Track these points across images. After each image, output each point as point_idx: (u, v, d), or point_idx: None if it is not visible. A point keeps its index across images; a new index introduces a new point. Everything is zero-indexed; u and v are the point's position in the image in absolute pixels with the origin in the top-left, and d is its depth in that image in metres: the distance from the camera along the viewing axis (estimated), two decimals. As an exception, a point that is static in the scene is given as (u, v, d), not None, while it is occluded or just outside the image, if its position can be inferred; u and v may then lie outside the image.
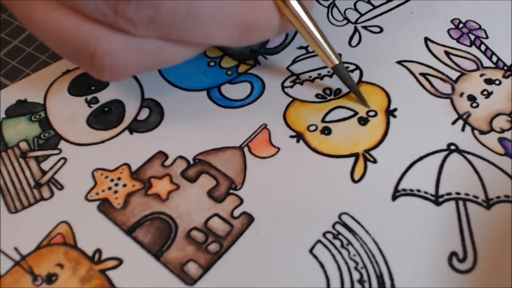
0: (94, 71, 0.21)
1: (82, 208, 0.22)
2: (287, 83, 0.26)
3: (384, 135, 0.24)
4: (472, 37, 0.27)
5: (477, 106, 0.25)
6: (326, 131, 0.24)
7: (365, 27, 0.28)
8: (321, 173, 0.23)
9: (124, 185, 0.23)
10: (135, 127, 0.25)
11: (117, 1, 0.18)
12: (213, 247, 0.21)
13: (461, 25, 0.28)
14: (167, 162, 0.23)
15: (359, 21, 0.28)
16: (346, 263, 0.20)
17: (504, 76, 0.26)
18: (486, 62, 0.26)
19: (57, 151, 0.24)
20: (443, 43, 0.27)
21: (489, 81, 0.26)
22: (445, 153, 0.23)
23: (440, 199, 0.22)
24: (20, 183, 0.23)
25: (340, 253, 0.21)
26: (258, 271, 0.20)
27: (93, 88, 0.26)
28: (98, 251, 0.21)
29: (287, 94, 0.25)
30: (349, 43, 0.27)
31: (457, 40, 0.27)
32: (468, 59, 0.27)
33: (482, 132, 0.24)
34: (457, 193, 0.22)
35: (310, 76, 0.26)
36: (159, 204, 0.22)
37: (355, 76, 0.26)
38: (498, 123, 0.24)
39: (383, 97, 0.25)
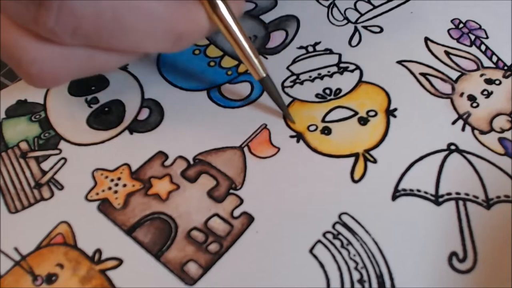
0: (24, 77, 0.20)
1: (82, 208, 0.22)
2: (287, 83, 0.26)
3: (384, 135, 0.24)
4: (472, 37, 0.27)
5: (477, 106, 0.25)
6: (326, 131, 0.24)
7: (365, 27, 0.28)
8: (321, 173, 0.23)
9: (124, 185, 0.23)
10: (135, 127, 0.25)
11: (37, 10, 0.17)
12: (213, 247, 0.21)
13: (461, 25, 0.28)
14: (167, 162, 0.23)
15: (359, 21, 0.28)
16: (346, 263, 0.20)
17: (504, 76, 0.26)
18: (486, 62, 0.26)
19: (57, 151, 0.24)
20: (443, 43, 0.27)
21: (489, 81, 0.26)
22: (445, 153, 0.23)
23: (440, 199, 0.22)
24: (20, 183, 0.23)
25: (340, 253, 0.21)
26: (258, 271, 0.20)
27: (93, 88, 0.26)
28: (98, 251, 0.21)
29: (287, 94, 0.25)
30: (349, 43, 0.27)
31: (457, 40, 0.27)
32: (468, 59, 0.27)
33: (482, 132, 0.24)
34: (457, 193, 0.22)
35: (310, 76, 0.26)
36: (159, 204, 0.22)
37: (355, 76, 0.26)
38: (498, 123, 0.24)
39: (383, 97, 0.25)
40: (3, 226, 0.22)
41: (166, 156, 0.24)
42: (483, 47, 0.27)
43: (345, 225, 0.21)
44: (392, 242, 0.21)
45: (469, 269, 0.20)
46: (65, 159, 0.24)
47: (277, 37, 0.28)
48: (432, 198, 0.22)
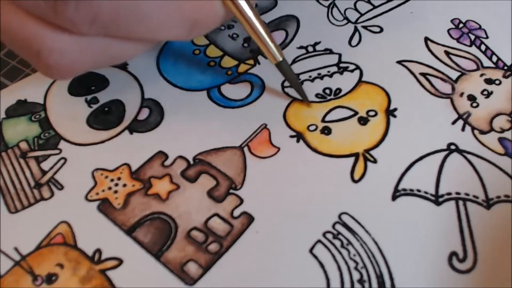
0: (42, 69, 0.20)
1: (82, 208, 0.22)
2: (287, 83, 0.26)
3: (384, 135, 0.24)
4: (472, 37, 0.27)
5: (477, 106, 0.25)
6: (326, 131, 0.24)
7: (365, 27, 0.28)
8: (321, 173, 0.23)
9: (124, 185, 0.23)
10: (135, 127, 0.25)
11: (55, 0, 0.18)
12: (213, 247, 0.21)
13: (461, 25, 0.28)
14: (167, 162, 0.23)
15: (359, 21, 0.28)
16: (346, 263, 0.20)
17: (504, 76, 0.26)
18: (486, 62, 0.26)
19: (57, 151, 0.24)
20: (443, 43, 0.27)
21: (489, 81, 0.26)
22: (445, 153, 0.23)
23: (440, 199, 0.22)
24: (20, 183, 0.23)
25: (340, 253, 0.21)
26: (258, 271, 0.20)
27: (93, 88, 0.26)
28: (98, 251, 0.21)
29: (287, 94, 0.25)
30: (349, 43, 0.27)
31: (457, 40, 0.27)
32: (468, 59, 0.27)
33: (482, 132, 0.24)
34: (457, 193, 0.22)
35: (310, 76, 0.26)
36: (159, 204, 0.22)
37: (355, 76, 0.26)
38: (498, 123, 0.24)
39: (383, 97, 0.25)
40: (3, 226, 0.22)
41: (166, 156, 0.24)
42: (483, 47, 0.27)
43: (345, 225, 0.21)
44: (392, 242, 0.21)
45: (469, 269, 0.20)
46: (65, 159, 0.24)
47: (277, 37, 0.28)
48: (432, 198, 0.22)
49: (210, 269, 0.20)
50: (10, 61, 0.28)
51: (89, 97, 0.26)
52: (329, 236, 0.21)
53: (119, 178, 0.23)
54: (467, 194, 0.22)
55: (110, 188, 0.23)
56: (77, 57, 0.20)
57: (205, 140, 0.24)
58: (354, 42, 0.27)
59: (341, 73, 0.26)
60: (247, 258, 0.21)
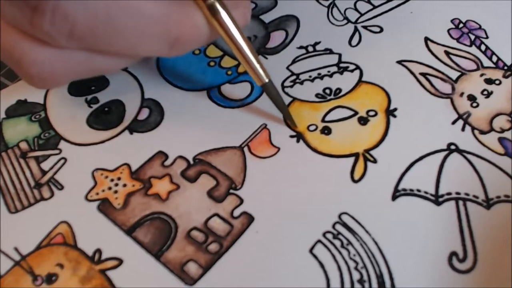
0: (24, 78, 0.20)
1: (82, 208, 0.22)
2: (287, 83, 0.26)
3: (384, 135, 0.24)
4: (472, 37, 0.27)
5: (477, 106, 0.25)
6: (326, 131, 0.24)
7: (365, 27, 0.28)
8: (321, 173, 0.23)
9: (124, 185, 0.23)
10: (135, 127, 0.25)
11: (32, 13, 0.18)
12: (213, 247, 0.21)
13: (461, 25, 0.28)
14: (167, 162, 0.23)
15: (359, 21, 0.28)
16: (346, 263, 0.20)
17: (504, 76, 0.26)
18: (486, 62, 0.26)
19: (57, 151, 0.24)
20: (443, 43, 0.27)
21: (489, 81, 0.26)
22: (445, 153, 0.23)
23: (440, 199, 0.22)
24: (20, 183, 0.23)
25: (340, 253, 0.21)
26: (258, 271, 0.20)
27: (93, 88, 0.26)
28: (98, 251, 0.21)
29: (287, 94, 0.25)
30: (349, 43, 0.27)
31: (457, 40, 0.27)
32: (468, 59, 0.27)
33: (482, 132, 0.24)
34: (457, 193, 0.22)
35: (310, 76, 0.26)
36: (159, 204, 0.22)
37: (355, 76, 0.26)
38: (498, 123, 0.24)
39: (383, 97, 0.25)
40: (3, 226, 0.22)
41: (166, 156, 0.24)
42: (483, 47, 0.27)
43: (345, 225, 0.21)
44: (392, 242, 0.21)
45: (469, 269, 0.20)
46: (65, 159, 0.24)
47: (277, 37, 0.28)
48: (432, 198, 0.22)
49: (210, 269, 0.20)
50: (10, 61, 0.28)
51: (89, 97, 0.26)
52: (329, 236, 0.21)
53: (119, 178, 0.23)
54: (467, 194, 0.22)
55: (110, 188, 0.23)
56: (59, 68, 0.20)
57: (205, 140, 0.24)
58: (354, 42, 0.27)
59: (341, 73, 0.26)
60: (247, 258, 0.21)
